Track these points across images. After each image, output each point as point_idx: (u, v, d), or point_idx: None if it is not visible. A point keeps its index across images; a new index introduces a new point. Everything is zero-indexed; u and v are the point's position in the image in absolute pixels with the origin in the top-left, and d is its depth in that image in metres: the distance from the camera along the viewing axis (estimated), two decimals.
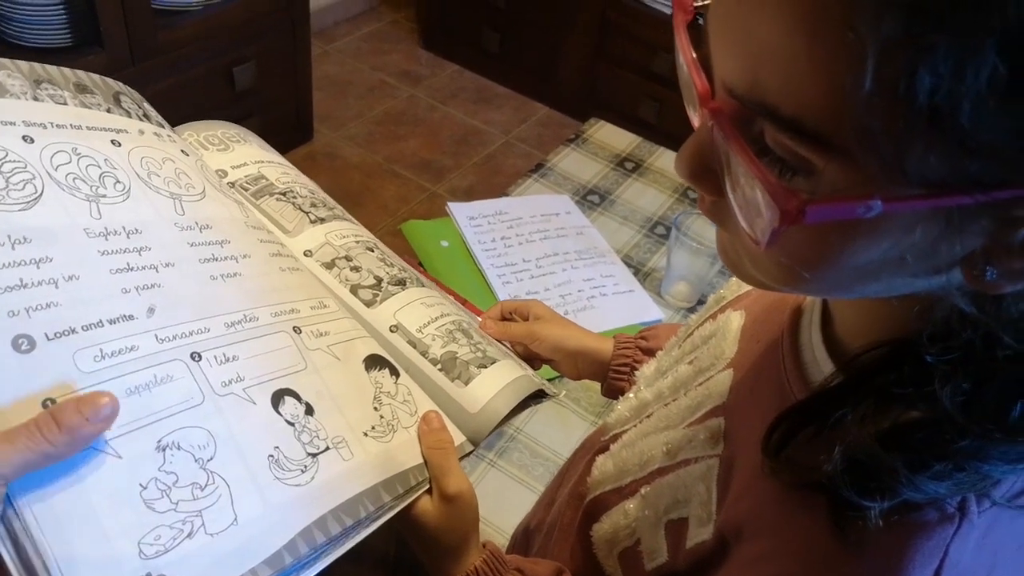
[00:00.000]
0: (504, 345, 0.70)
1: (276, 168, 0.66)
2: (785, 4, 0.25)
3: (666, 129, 2.38)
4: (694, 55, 0.32)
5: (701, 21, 0.32)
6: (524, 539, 0.72)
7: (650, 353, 0.68)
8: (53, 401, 0.35)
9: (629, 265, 1.21)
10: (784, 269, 0.32)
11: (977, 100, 0.22)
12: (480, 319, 0.72)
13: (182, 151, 0.56)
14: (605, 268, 1.19)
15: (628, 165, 1.41)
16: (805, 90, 0.25)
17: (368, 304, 0.59)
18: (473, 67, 2.95)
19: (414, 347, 0.58)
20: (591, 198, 1.33)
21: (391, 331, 0.58)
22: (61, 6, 1.65)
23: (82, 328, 0.38)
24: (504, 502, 0.87)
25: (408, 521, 0.51)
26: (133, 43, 1.75)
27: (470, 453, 0.55)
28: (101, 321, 0.40)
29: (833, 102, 0.25)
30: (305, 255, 0.60)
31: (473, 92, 2.88)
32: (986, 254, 0.27)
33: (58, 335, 0.37)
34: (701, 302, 1.16)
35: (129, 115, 0.53)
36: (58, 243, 0.41)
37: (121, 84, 0.55)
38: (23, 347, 0.36)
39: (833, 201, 0.27)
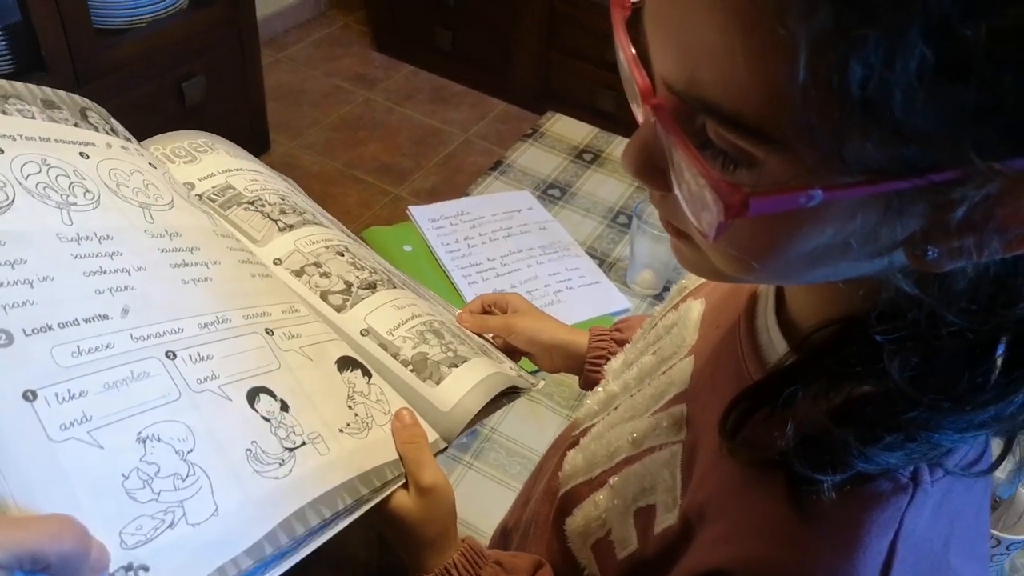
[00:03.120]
0: (485, 338, 0.71)
1: (244, 176, 0.66)
2: (718, 1, 0.25)
3: (625, 118, 2.38)
4: (633, 51, 0.32)
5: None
6: (502, 539, 0.72)
7: (625, 345, 0.68)
8: (33, 394, 0.36)
9: (593, 256, 1.22)
10: (733, 260, 0.32)
11: (908, 88, 0.22)
12: (457, 313, 0.72)
13: (150, 164, 0.56)
14: (570, 261, 1.20)
15: (587, 156, 1.41)
16: (742, 85, 0.26)
17: (338, 309, 0.59)
18: (428, 67, 2.94)
19: (385, 349, 0.58)
20: (552, 192, 1.34)
21: (362, 335, 0.59)
22: (0, 32, 1.61)
23: (58, 325, 0.39)
24: (483, 503, 0.88)
25: (386, 516, 0.52)
26: (77, 65, 1.71)
27: (444, 450, 0.56)
28: (77, 320, 0.40)
29: (770, 96, 0.25)
30: (275, 263, 0.60)
31: (429, 92, 2.87)
32: (926, 235, 0.28)
33: (36, 331, 0.38)
34: (667, 289, 1.17)
35: (96, 129, 0.54)
36: (32, 246, 0.42)
37: (88, 100, 0.56)
38: (1, 341, 0.37)
39: (775, 193, 0.27)
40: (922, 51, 0.22)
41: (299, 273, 0.60)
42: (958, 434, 0.32)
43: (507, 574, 0.53)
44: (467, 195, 1.31)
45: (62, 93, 0.54)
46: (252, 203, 0.63)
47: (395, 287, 0.64)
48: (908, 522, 0.34)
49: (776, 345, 0.42)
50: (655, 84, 0.31)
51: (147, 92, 1.92)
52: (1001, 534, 0.80)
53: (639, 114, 0.34)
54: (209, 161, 0.65)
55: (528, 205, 1.29)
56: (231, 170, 0.65)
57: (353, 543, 0.81)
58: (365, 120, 2.70)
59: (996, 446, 0.36)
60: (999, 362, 0.31)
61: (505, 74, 2.75)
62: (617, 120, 2.32)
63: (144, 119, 1.92)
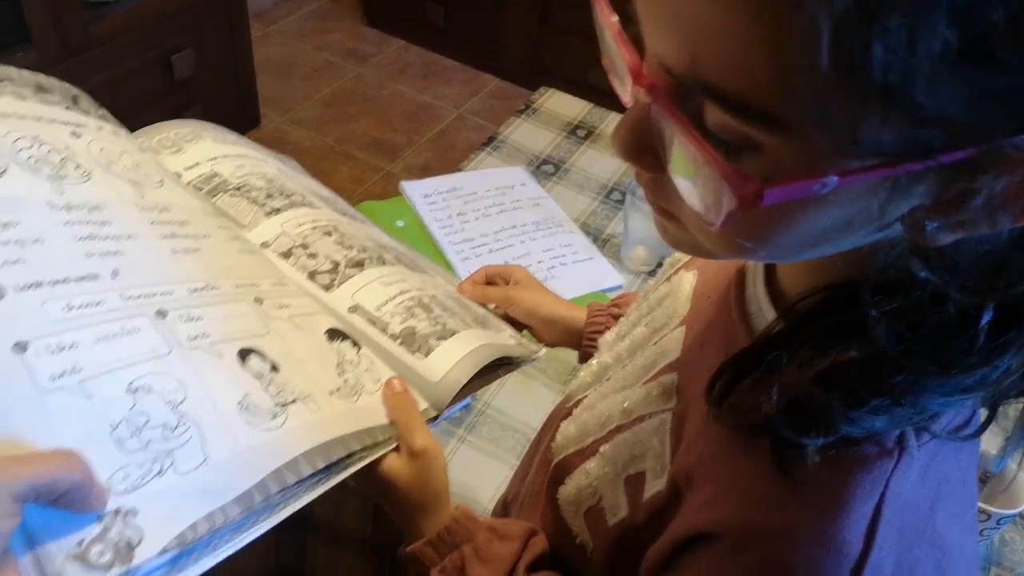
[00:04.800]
0: (487, 308, 0.72)
1: (231, 162, 0.66)
2: None
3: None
4: (618, 25, 0.31)
5: None
6: (503, 512, 0.73)
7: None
8: (24, 345, 0.37)
9: (587, 233, 1.22)
10: (730, 243, 0.32)
11: (930, 71, 0.22)
12: (457, 284, 0.73)
13: (139, 149, 0.57)
14: (563, 237, 1.19)
15: (580, 132, 1.41)
16: (750, 69, 0.25)
17: (326, 288, 0.60)
18: (419, 42, 2.91)
19: (373, 325, 0.59)
20: (545, 168, 1.33)
21: (350, 312, 0.59)
22: None
23: (49, 283, 0.40)
24: (477, 476, 0.88)
25: (379, 480, 0.52)
26: (63, 38, 1.68)
27: (434, 419, 0.56)
28: (67, 278, 0.41)
29: (782, 80, 0.25)
30: (262, 247, 0.61)
31: (421, 67, 2.84)
32: (927, 210, 0.28)
33: (27, 286, 0.39)
34: (660, 265, 1.17)
35: (87, 114, 0.55)
36: (23, 211, 0.42)
37: (78, 89, 0.57)
38: None
39: (790, 182, 0.26)
40: (945, 35, 0.22)
41: (287, 255, 0.61)
42: (944, 398, 0.32)
43: (500, 540, 0.54)
44: (460, 171, 1.30)
45: (54, 80, 0.55)
46: (238, 189, 0.63)
47: (385, 264, 0.64)
48: (894, 485, 0.34)
49: (765, 314, 0.42)
50: (644, 61, 0.30)
51: (135, 66, 1.89)
52: (992, 508, 0.81)
53: (624, 93, 0.33)
54: (195, 150, 0.65)
55: (521, 181, 1.28)
56: (216, 157, 0.66)
57: (349, 515, 0.81)
58: (356, 95, 2.67)
59: (983, 414, 0.37)
60: (985, 326, 0.31)
61: (498, 49, 2.73)
62: (611, 96, 2.30)
63: (132, 93, 1.90)
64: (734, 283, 0.46)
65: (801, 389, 0.34)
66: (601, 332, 0.71)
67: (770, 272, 0.43)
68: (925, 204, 0.28)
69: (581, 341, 0.73)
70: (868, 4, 0.22)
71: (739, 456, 0.39)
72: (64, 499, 0.33)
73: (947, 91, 0.23)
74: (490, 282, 0.76)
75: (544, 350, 0.71)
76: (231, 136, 0.71)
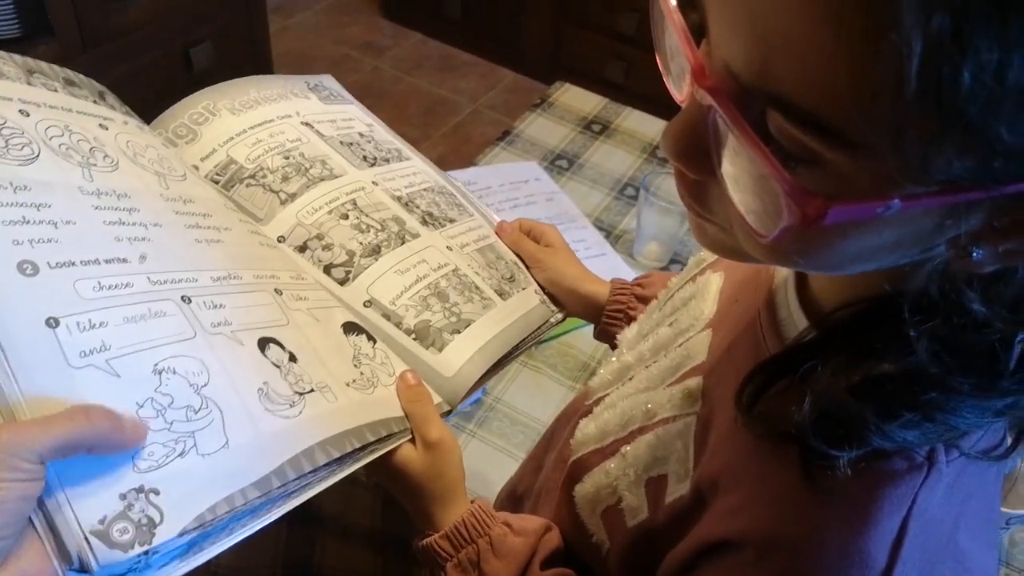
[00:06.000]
0: (518, 265, 0.72)
1: (247, 142, 0.66)
2: None
3: (634, 89, 2.37)
4: (684, 23, 0.29)
5: None
6: (511, 502, 0.73)
7: (645, 300, 0.68)
8: (56, 320, 0.38)
9: (600, 228, 1.22)
10: (777, 255, 0.31)
11: (1016, 103, 0.22)
12: (497, 224, 0.74)
13: (163, 144, 0.59)
14: (576, 233, 1.19)
15: (595, 127, 1.40)
16: (827, 84, 0.24)
17: (341, 282, 0.60)
18: (436, 35, 2.91)
19: (388, 319, 0.59)
20: (559, 163, 1.33)
21: (365, 306, 0.60)
22: None
23: (81, 262, 0.41)
24: (487, 471, 0.89)
25: (394, 472, 0.52)
26: (84, 30, 1.70)
27: (448, 413, 0.57)
28: (98, 259, 0.42)
29: (859, 99, 0.23)
30: (279, 241, 0.61)
31: (438, 61, 2.84)
32: (975, 236, 0.27)
33: (60, 264, 0.40)
34: (674, 260, 1.17)
35: (114, 108, 0.56)
36: (55, 194, 0.43)
37: (104, 87, 0.58)
38: (27, 271, 0.38)
39: (852, 201, 0.26)
40: None
41: (302, 248, 0.61)
42: (976, 418, 0.32)
43: (516, 535, 0.54)
44: (474, 165, 1.31)
45: (81, 76, 0.56)
46: (253, 176, 0.64)
47: (404, 242, 0.64)
48: (921, 501, 0.34)
49: (796, 321, 0.42)
50: (708, 62, 0.29)
51: (154, 58, 1.91)
52: (1002, 508, 0.80)
53: (679, 92, 0.32)
54: (209, 133, 0.65)
55: (535, 176, 1.28)
56: (233, 137, 0.66)
57: (357, 511, 0.82)
58: (373, 88, 2.68)
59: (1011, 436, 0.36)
60: (1018, 352, 0.30)
61: (515, 43, 2.72)
62: (626, 91, 2.30)
63: (151, 86, 1.91)
64: (764, 288, 0.45)
65: (835, 399, 0.33)
66: (623, 311, 0.71)
67: (801, 279, 0.43)
68: (977, 231, 0.27)
69: (600, 317, 0.72)
70: (965, 29, 0.21)
71: (766, 464, 0.39)
72: (96, 450, 0.34)
73: None
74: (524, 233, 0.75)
75: (562, 315, 0.71)
76: (251, 89, 0.70)
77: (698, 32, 0.29)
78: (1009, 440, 0.36)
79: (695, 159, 0.31)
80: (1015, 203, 0.25)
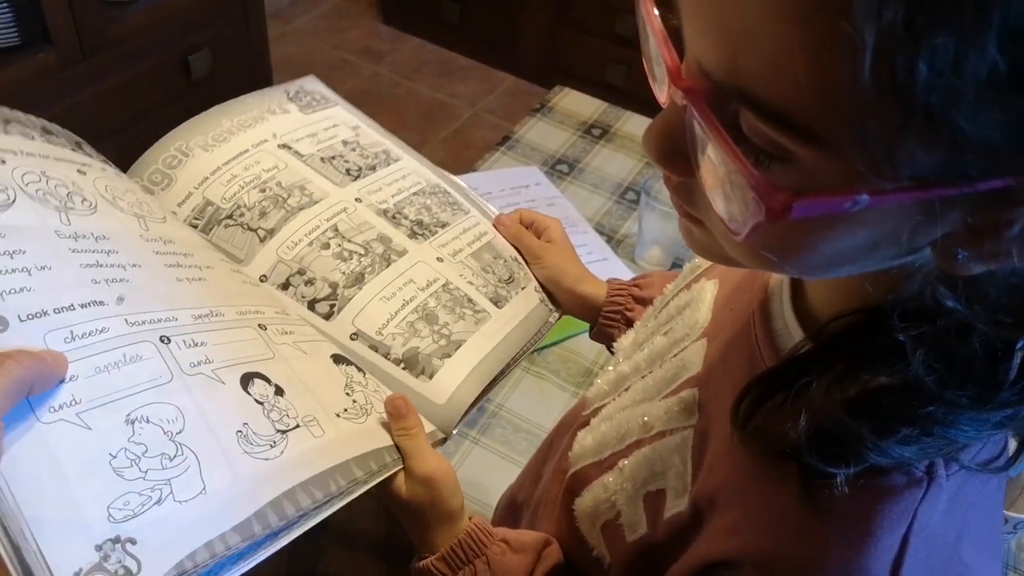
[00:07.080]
0: (518, 250, 0.71)
1: (221, 180, 0.64)
2: None
3: (635, 93, 2.36)
4: (661, 25, 0.30)
5: None
6: (510, 512, 0.72)
7: (643, 301, 0.67)
8: None
9: (601, 233, 1.21)
10: (754, 254, 0.31)
11: (975, 95, 0.22)
12: (495, 217, 0.73)
13: (141, 189, 0.59)
14: (577, 238, 1.19)
15: (595, 132, 1.40)
16: (791, 80, 0.24)
17: (327, 317, 0.59)
18: (435, 40, 2.91)
19: (376, 351, 0.58)
20: (560, 168, 1.33)
21: (352, 339, 0.58)
22: (5, 4, 1.60)
23: (54, 311, 0.40)
24: (489, 478, 0.88)
25: (391, 498, 0.52)
26: (82, 38, 1.70)
27: (444, 440, 0.56)
28: (72, 305, 0.42)
29: (823, 94, 0.24)
30: (261, 280, 0.60)
31: (436, 65, 2.84)
32: (958, 238, 0.27)
33: (31, 316, 0.39)
34: (676, 265, 1.16)
35: (91, 157, 0.56)
36: (31, 239, 0.43)
37: (80, 138, 0.58)
38: None
39: (819, 196, 0.26)
40: (993, 58, 0.21)
41: (285, 286, 0.60)
42: (975, 431, 0.31)
43: (514, 552, 0.54)
44: (474, 170, 1.30)
45: (57, 126, 0.56)
46: (231, 216, 0.62)
47: (390, 263, 0.63)
48: (922, 516, 0.34)
49: (792, 332, 0.41)
50: (684, 63, 0.29)
51: (152, 65, 1.90)
52: (1009, 513, 0.80)
53: (661, 93, 0.32)
54: (184, 177, 0.64)
55: (536, 181, 1.28)
56: (207, 178, 0.64)
57: (362, 518, 0.82)
58: (372, 94, 2.67)
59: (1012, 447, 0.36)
60: (1018, 362, 0.30)
61: (513, 47, 2.72)
62: (627, 95, 2.30)
63: (149, 93, 1.91)
64: (758, 297, 0.45)
65: (830, 416, 0.33)
66: (620, 311, 0.70)
67: (797, 288, 0.42)
68: (957, 232, 0.27)
69: (597, 317, 0.71)
70: (918, 20, 0.21)
71: (764, 482, 0.38)
72: (36, 390, 0.35)
73: (990, 117, 0.22)
74: (525, 226, 0.74)
75: (559, 315, 0.70)
76: (223, 119, 0.68)
77: (678, 36, 0.30)
78: (1011, 449, 0.36)
79: (675, 160, 0.32)
80: (992, 201, 0.25)
